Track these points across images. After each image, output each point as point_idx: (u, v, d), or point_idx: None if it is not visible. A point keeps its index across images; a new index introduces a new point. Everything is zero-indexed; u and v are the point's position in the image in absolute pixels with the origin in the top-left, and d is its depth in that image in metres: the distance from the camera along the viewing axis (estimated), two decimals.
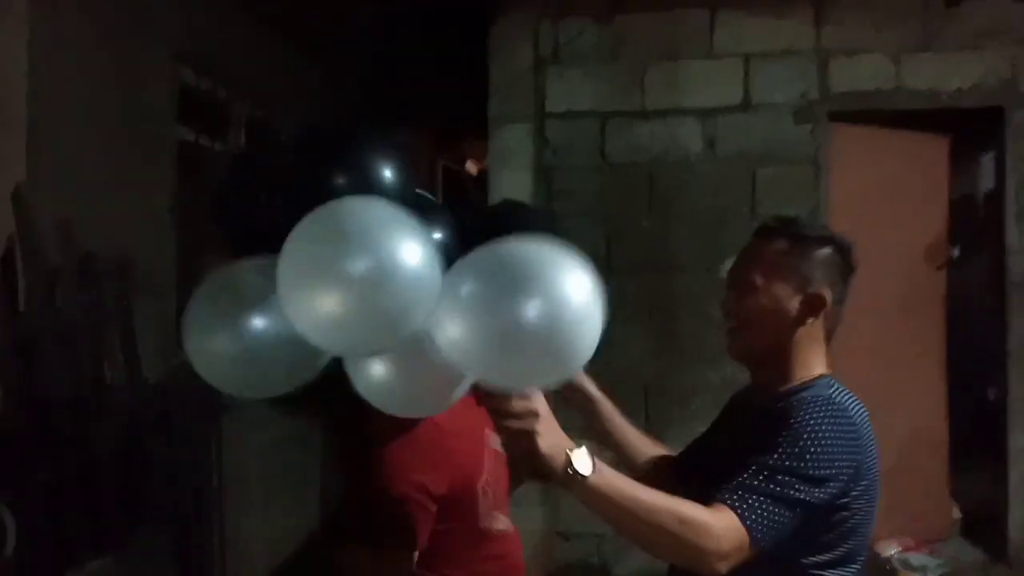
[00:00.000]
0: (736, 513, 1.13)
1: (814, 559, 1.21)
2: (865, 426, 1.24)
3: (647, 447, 1.49)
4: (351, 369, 0.98)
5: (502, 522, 1.21)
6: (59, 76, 2.26)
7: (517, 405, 1.01)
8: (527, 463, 1.09)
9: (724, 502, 1.14)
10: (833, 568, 1.23)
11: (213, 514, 2.62)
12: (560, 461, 1.03)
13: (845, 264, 1.30)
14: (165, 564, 1.98)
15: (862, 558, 1.27)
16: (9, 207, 1.95)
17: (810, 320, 1.28)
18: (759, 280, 1.28)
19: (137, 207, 2.56)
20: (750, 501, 1.15)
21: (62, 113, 2.29)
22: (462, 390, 1.04)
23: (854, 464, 1.20)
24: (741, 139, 2.85)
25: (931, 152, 3.11)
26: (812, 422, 1.19)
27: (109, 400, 2.01)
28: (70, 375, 1.94)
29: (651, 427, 2.49)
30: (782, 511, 1.15)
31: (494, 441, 1.22)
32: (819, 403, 1.22)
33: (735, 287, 1.32)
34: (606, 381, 3.25)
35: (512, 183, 2.92)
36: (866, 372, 2.51)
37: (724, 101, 2.85)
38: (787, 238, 1.30)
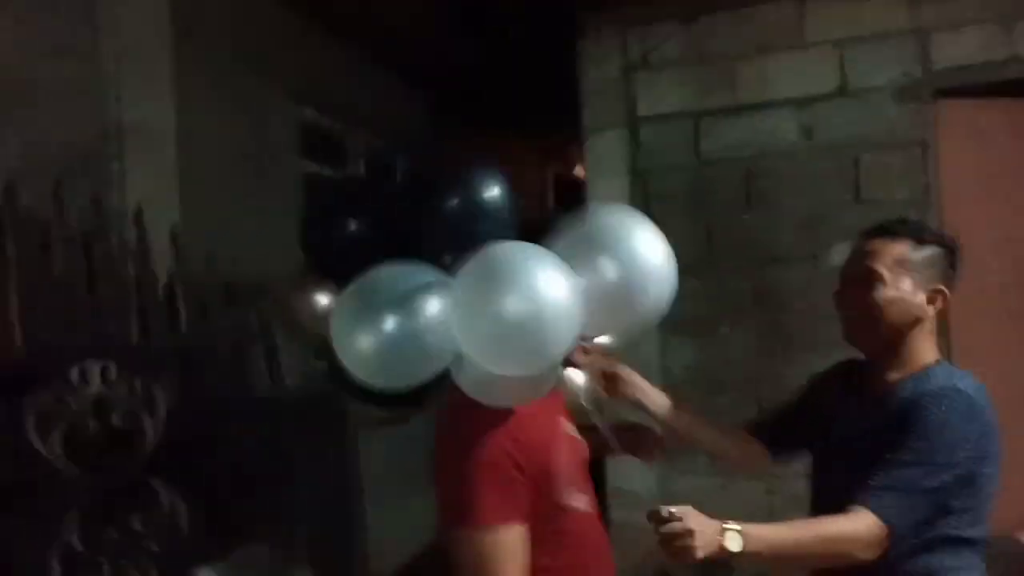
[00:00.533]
0: (875, 514, 1.31)
1: (947, 521, 1.36)
2: (988, 405, 1.39)
3: (727, 434, 1.64)
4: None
5: (578, 500, 1.27)
6: (200, 128, 2.58)
7: (674, 528, 1.18)
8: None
9: (863, 505, 1.32)
10: (967, 526, 1.38)
11: (350, 512, 2.88)
12: (717, 552, 1.21)
13: (955, 261, 1.46)
14: (304, 557, 2.22)
15: (985, 518, 1.41)
16: (168, 245, 2.26)
17: (930, 313, 1.44)
18: (887, 275, 1.42)
19: (271, 236, 2.87)
20: (886, 500, 1.32)
21: (205, 159, 2.62)
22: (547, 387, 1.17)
23: (981, 444, 1.36)
24: (840, 126, 2.81)
25: None
26: (941, 414, 1.35)
27: (256, 406, 2.29)
28: (223, 386, 2.23)
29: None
30: (914, 501, 1.32)
31: (567, 427, 1.33)
32: (946, 394, 1.37)
33: (860, 281, 1.45)
34: (715, 375, 3.34)
35: (609, 188, 3.02)
36: (1000, 362, 2.42)
37: (820, 89, 2.82)
38: (908, 238, 1.45)
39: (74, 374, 1.83)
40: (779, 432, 1.62)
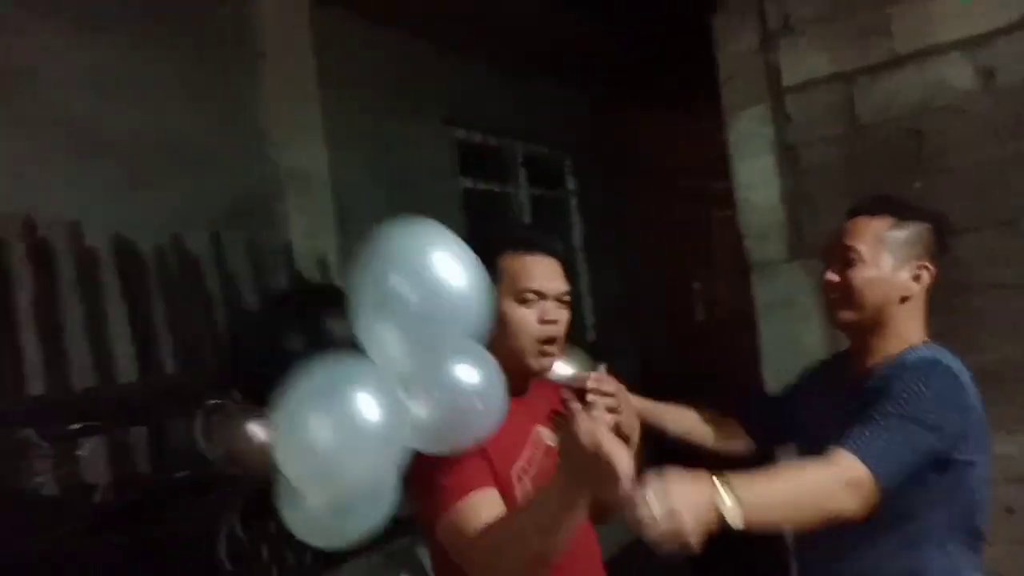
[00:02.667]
0: (855, 453, 1.19)
1: (926, 512, 1.25)
2: (972, 389, 1.29)
3: (719, 431, 1.60)
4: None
5: None
6: (353, 164, 2.89)
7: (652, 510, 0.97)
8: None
9: (843, 446, 1.21)
10: (956, 533, 1.27)
11: None
12: (705, 521, 1.00)
13: (942, 235, 1.40)
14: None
15: (981, 532, 1.30)
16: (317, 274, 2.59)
17: (916, 291, 1.38)
18: (866, 253, 1.37)
19: None
20: (867, 442, 1.20)
21: (360, 188, 2.93)
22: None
23: (962, 421, 1.25)
24: None
25: None
26: (922, 378, 1.26)
27: None
28: None
29: None
30: (899, 448, 1.19)
31: (544, 435, 1.32)
32: (927, 364, 1.30)
33: (839, 261, 1.41)
34: None
35: (754, 170, 2.82)
36: None
37: (997, 23, 2.37)
38: (888, 215, 1.40)
39: (235, 394, 2.19)
40: (762, 425, 1.60)
